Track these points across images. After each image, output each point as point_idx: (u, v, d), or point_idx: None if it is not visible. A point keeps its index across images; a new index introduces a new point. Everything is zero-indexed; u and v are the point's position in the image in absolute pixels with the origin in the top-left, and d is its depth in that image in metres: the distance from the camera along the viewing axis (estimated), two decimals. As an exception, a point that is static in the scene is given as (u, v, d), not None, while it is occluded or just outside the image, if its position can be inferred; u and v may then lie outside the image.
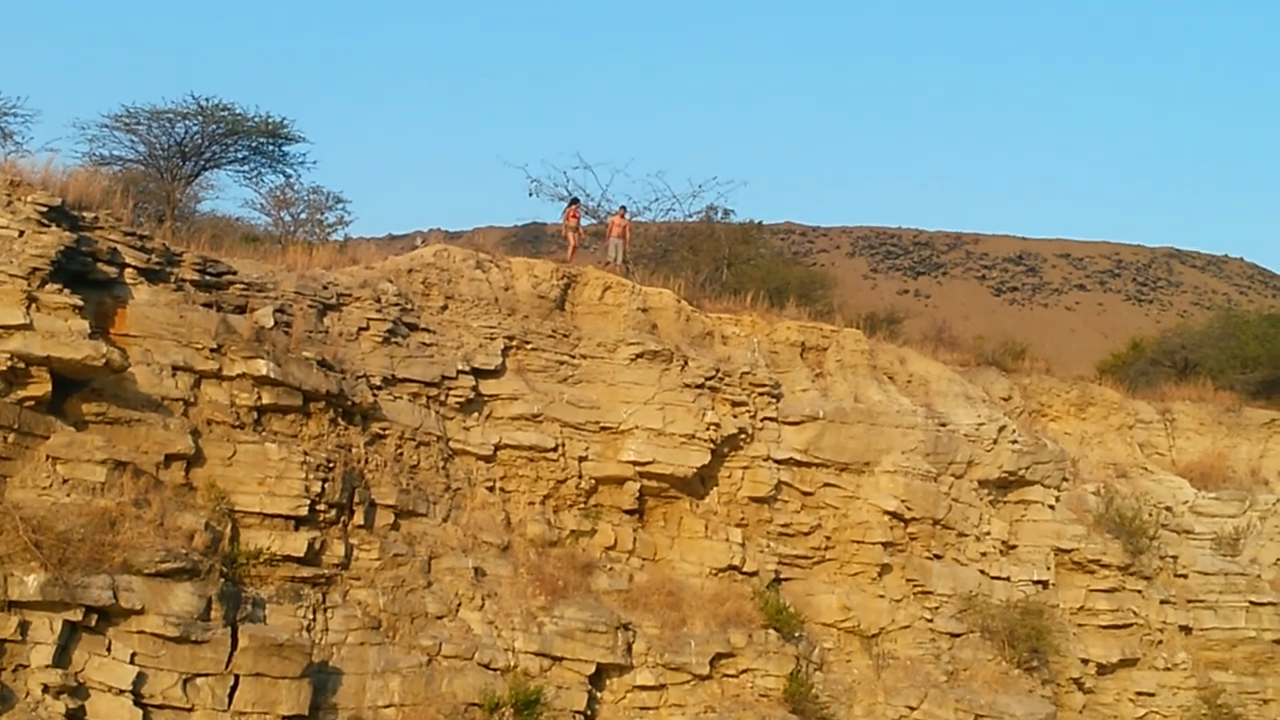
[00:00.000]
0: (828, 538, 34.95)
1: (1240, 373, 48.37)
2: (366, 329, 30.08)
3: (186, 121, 40.18)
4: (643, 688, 30.08)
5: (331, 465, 27.31)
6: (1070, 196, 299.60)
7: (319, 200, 44.52)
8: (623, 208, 40.13)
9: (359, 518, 27.90)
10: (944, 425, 36.84)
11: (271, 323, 27.92)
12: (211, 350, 26.50)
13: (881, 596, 34.92)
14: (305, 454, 26.85)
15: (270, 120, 41.54)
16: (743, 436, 34.07)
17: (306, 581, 26.34)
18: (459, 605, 28.67)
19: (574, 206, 39.74)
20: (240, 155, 42.39)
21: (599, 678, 29.63)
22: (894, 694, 33.39)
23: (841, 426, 35.19)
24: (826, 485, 35.12)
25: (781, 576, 34.10)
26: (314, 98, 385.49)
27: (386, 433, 29.42)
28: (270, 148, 42.47)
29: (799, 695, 31.31)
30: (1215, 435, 43.54)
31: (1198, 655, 39.04)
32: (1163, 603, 38.84)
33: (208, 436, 26.23)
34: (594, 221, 45.17)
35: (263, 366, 26.73)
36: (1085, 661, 37.16)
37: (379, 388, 29.54)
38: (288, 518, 26.38)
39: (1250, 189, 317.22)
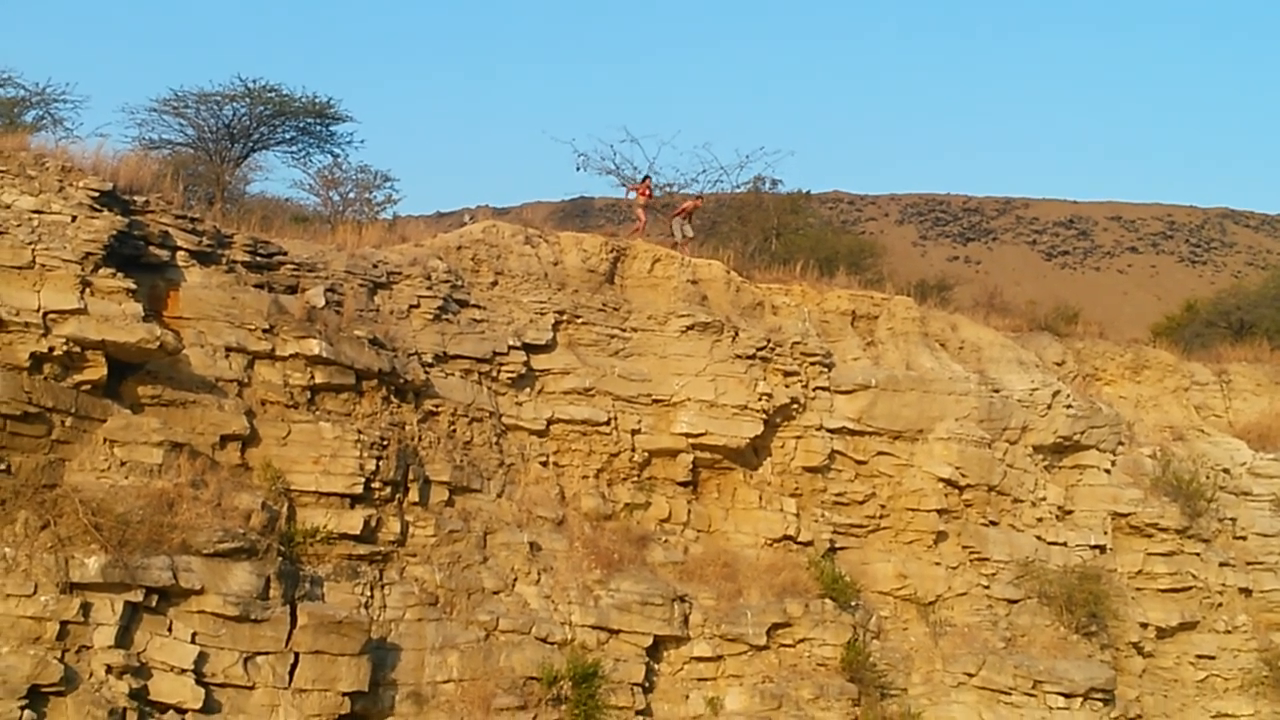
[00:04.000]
0: (882, 506, 34.88)
1: (1296, 332, 48.01)
2: (417, 306, 30.17)
3: (234, 104, 40.38)
4: (700, 659, 30.14)
5: (385, 443, 27.44)
6: (1121, 158, 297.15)
7: (367, 179, 44.65)
8: (697, 196, 40.20)
9: (414, 495, 28.03)
10: (997, 391, 36.67)
11: (323, 302, 28.04)
12: (264, 331, 26.66)
13: (937, 564, 34.83)
14: (359, 432, 26.99)
15: (317, 100, 41.70)
16: (795, 406, 34.02)
17: (363, 559, 26.52)
18: (515, 580, 28.79)
19: (645, 182, 39.59)
20: (288, 136, 42.59)
21: (656, 650, 29.70)
22: (951, 661, 33.33)
23: (894, 394, 35.08)
24: (880, 453, 35.03)
25: (836, 545, 34.05)
26: (361, 77, 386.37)
27: (439, 409, 29.53)
28: (318, 128, 42.64)
29: (856, 664, 31.31)
30: (1273, 395, 43.16)
31: (1258, 617, 38.77)
32: (1222, 565, 38.58)
33: (262, 417, 26.41)
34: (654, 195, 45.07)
35: (315, 346, 26.87)
36: (1144, 625, 36.95)
37: (430, 365, 29.63)
38: (343, 496, 26.53)
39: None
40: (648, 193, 39.05)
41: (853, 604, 32.45)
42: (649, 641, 29.42)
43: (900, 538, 34.85)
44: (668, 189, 43.22)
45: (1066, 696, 33.15)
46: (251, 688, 23.64)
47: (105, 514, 22.69)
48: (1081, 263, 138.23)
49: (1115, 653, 35.88)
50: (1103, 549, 37.20)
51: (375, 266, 30.06)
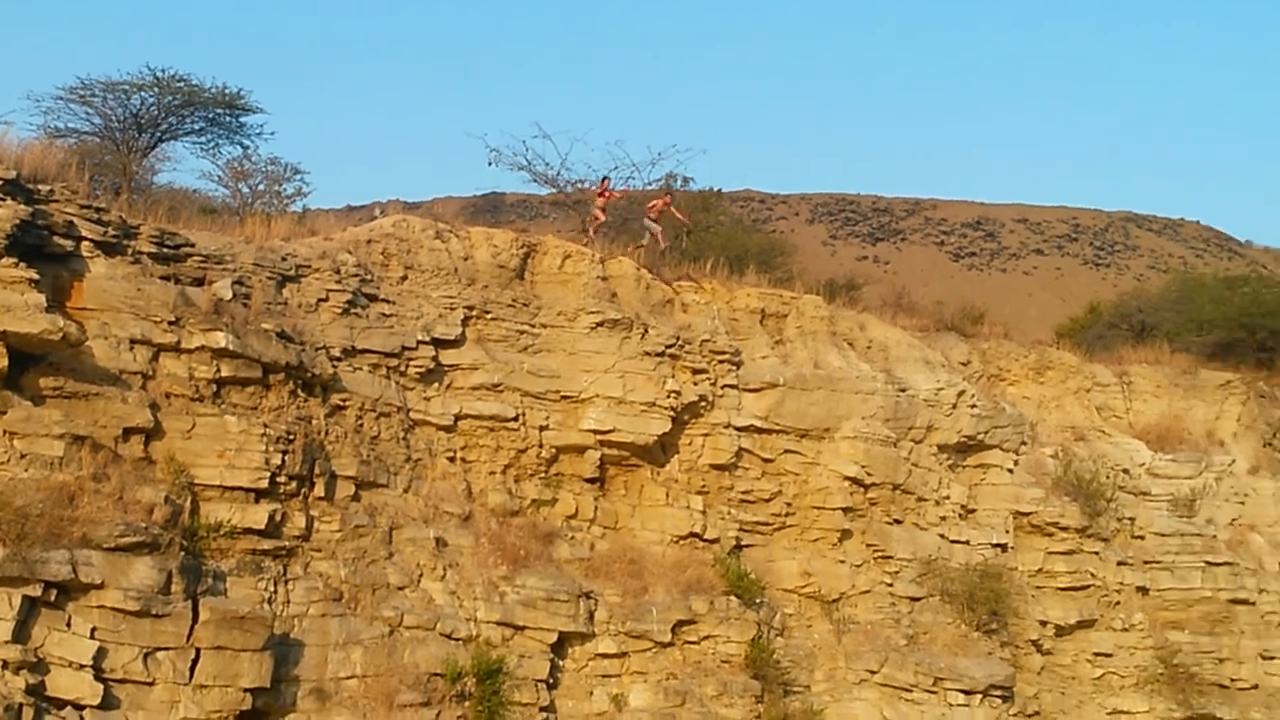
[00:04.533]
0: (788, 504, 35.09)
1: (1196, 335, 48.63)
2: (326, 300, 29.99)
3: (142, 93, 39.83)
4: (605, 655, 30.22)
5: (292, 437, 27.28)
6: (1028, 161, 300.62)
7: (277, 171, 44.25)
8: (666, 193, 39.92)
9: (320, 489, 27.89)
10: (903, 390, 36.99)
11: (230, 295, 27.83)
12: (170, 323, 26.42)
13: (842, 562, 35.09)
14: (265, 426, 26.80)
15: (227, 91, 41.22)
16: (703, 404, 34.15)
17: (267, 554, 26.34)
18: (420, 576, 28.73)
19: (605, 182, 39.17)
20: (197, 127, 42.03)
21: (561, 646, 29.74)
22: (854, 658, 33.60)
23: (802, 393, 35.30)
24: (787, 452, 35.24)
25: (742, 543, 34.23)
26: (271, 69, 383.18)
27: (347, 404, 29.39)
28: (227, 119, 42.14)
29: (760, 661, 31.51)
30: (1172, 398, 43.80)
31: (1154, 615, 39.38)
32: (1120, 564, 39.16)
33: (166, 410, 26.18)
34: (554, 191, 44.99)
35: (221, 339, 26.63)
36: (1044, 623, 37.44)
37: (339, 359, 29.49)
38: (248, 490, 26.35)
39: (1207, 152, 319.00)
40: (606, 192, 38.68)
41: (757, 601, 32.64)
42: (554, 638, 29.46)
43: (805, 535, 35.07)
44: (580, 184, 43.03)
45: (966, 694, 33.55)
46: (151, 683, 23.43)
47: (4, 507, 22.40)
48: (988, 264, 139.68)
49: (1015, 650, 36.34)
50: (1004, 547, 37.64)
51: (284, 259, 29.85)
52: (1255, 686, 39.80)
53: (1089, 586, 38.53)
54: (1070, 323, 60.69)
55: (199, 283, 27.88)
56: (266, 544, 26.27)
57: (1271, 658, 40.25)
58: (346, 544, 27.83)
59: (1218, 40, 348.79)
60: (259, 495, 26.49)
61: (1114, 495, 39.62)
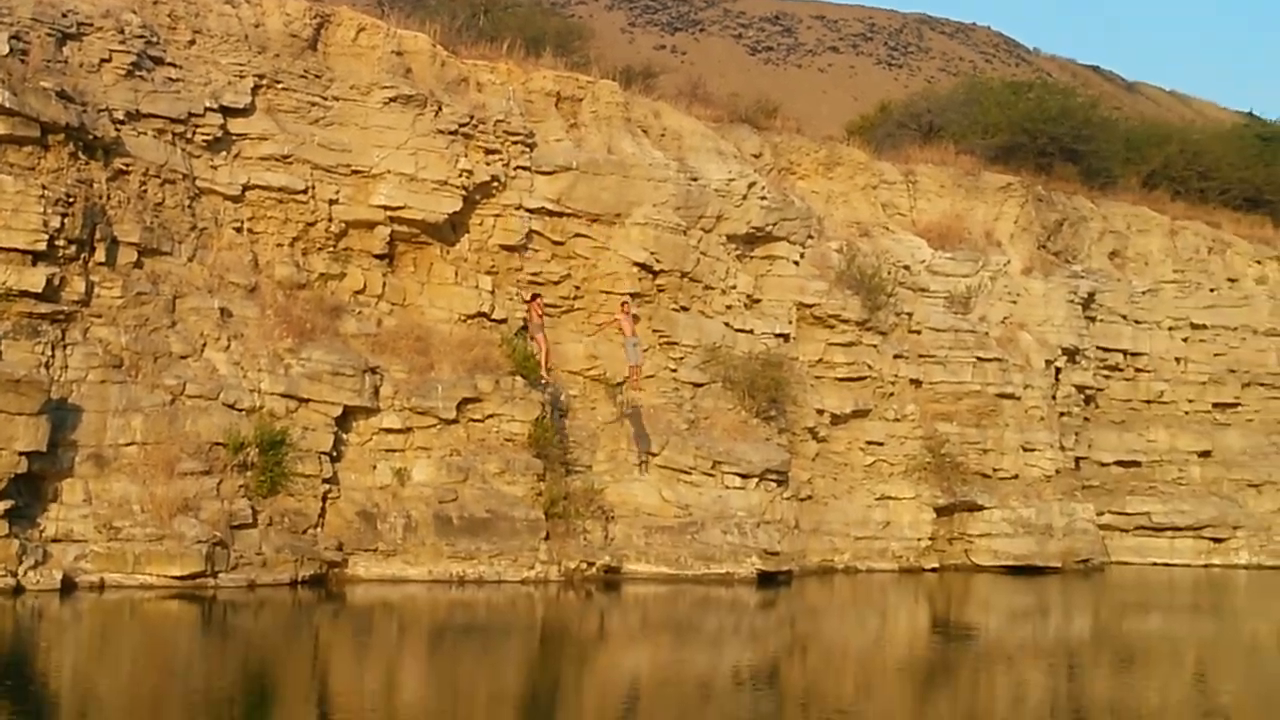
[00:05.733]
0: (577, 287, 35.35)
1: (981, 138, 49.52)
2: (109, 61, 28.95)
3: None
4: (389, 430, 30.40)
5: (71, 200, 26.56)
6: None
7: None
8: (625, 301, 34.96)
9: (100, 255, 27.29)
10: (695, 180, 37.18)
11: (7, 50, 26.70)
12: (-59, 76, 25.39)
13: (628, 346, 35.52)
14: (44, 188, 26.04)
15: None
16: (495, 184, 33.99)
17: (45, 318, 25.82)
18: (204, 346, 28.44)
19: (536, 301, 34.50)
20: None
21: (345, 420, 29.81)
22: (636, 440, 34.27)
23: (594, 178, 35.31)
24: (577, 235, 35.36)
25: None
26: None
27: (130, 169, 28.62)
28: None
29: (544, 440, 31.95)
30: (954, 198, 44.77)
31: (926, 407, 40.78)
32: (896, 357, 40.35)
33: (-61, 166, 25.30)
34: None
35: (-3, 95, 25.71)
36: (820, 412, 38.56)
37: (122, 122, 28.62)
38: (25, 252, 25.68)
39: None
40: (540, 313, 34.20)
41: (542, 382, 32.96)
42: (339, 412, 29.51)
43: (593, 319, 35.40)
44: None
45: (743, 477, 34.58)
46: (-76, 444, 23.02)
47: None
48: (784, 59, 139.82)
49: (792, 437, 37.42)
50: (786, 338, 38.46)
51: (65, 16, 28.63)
52: (1015, 476, 41.73)
53: (865, 378, 39.71)
54: (861, 120, 61.27)
55: (-27, 36, 26.74)
56: (44, 308, 25.73)
57: (1032, 449, 42.19)
58: (128, 311, 27.37)
59: None
60: (36, 258, 25.82)
61: (894, 290, 40.65)
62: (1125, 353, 48.07)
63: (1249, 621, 33.02)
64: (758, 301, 38.44)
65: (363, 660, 20.63)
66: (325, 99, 32.25)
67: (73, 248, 26.61)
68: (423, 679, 19.14)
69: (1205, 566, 46.51)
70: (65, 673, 18.02)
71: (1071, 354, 44.79)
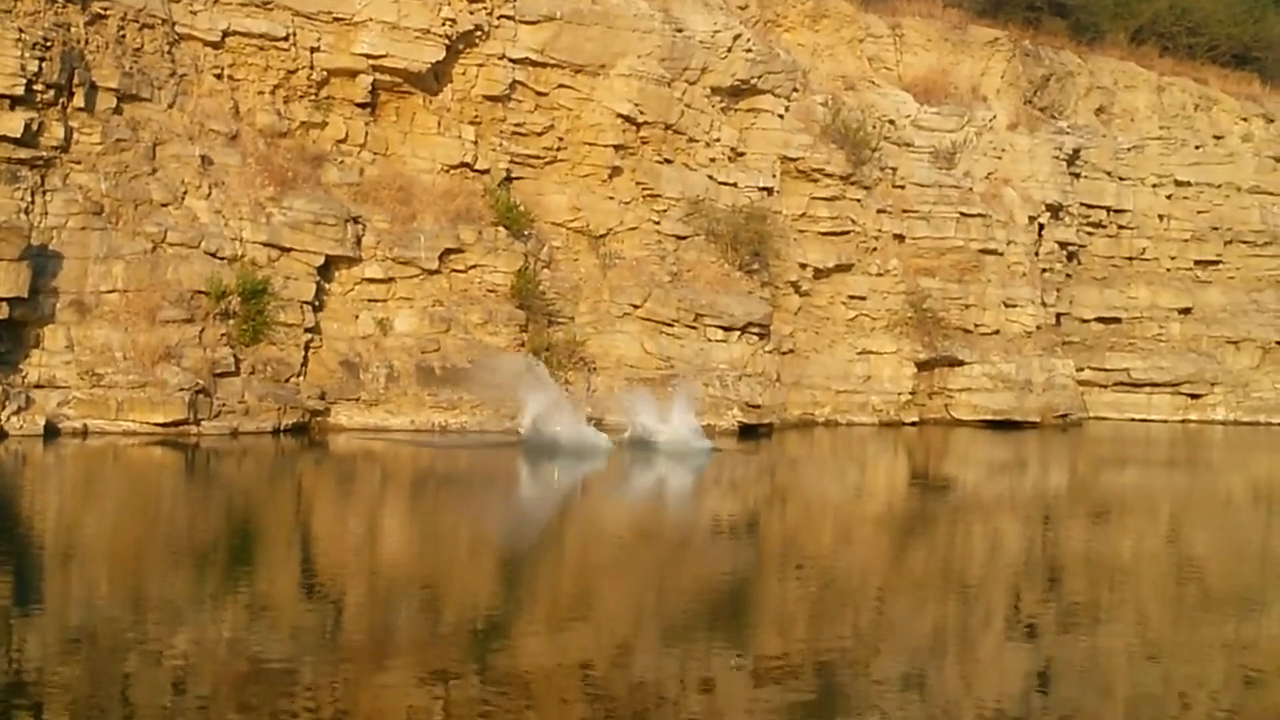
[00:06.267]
0: (560, 139, 35.13)
1: (969, -9, 49.01)
2: (85, -98, 28.48)
3: None
4: (372, 280, 30.44)
5: (49, 44, 26.22)
6: None
7: None
8: None
9: (79, 100, 27.03)
10: (680, 31, 36.77)
11: (-19, -111, 26.27)
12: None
13: (611, 198, 35.44)
14: (20, 31, 25.73)
15: None
16: (478, 33, 33.57)
17: (24, 163, 25.67)
18: (185, 193, 28.31)
19: None
20: None
21: (327, 269, 29.81)
22: (619, 292, 34.29)
23: (578, 28, 34.91)
24: (561, 86, 35.04)
25: (513, 175, 34.32)
26: None
27: (108, 13, 28.22)
28: None
29: (526, 291, 32.00)
30: (941, 52, 44.34)
31: (908, 263, 40.79)
32: (879, 212, 40.27)
33: (-86, 8, 24.95)
34: None
35: (-28, -66, 25.30)
36: (803, 266, 38.56)
37: (99, -35, 28.20)
38: (2, 96, 25.45)
39: None
40: None
41: (525, 233, 32.92)
42: (321, 261, 29.50)
43: (576, 171, 35.25)
44: None
45: (725, 329, 34.69)
46: (-96, 289, 22.97)
47: None
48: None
49: (774, 290, 37.45)
50: (770, 191, 38.32)
51: None
52: (996, 332, 41.91)
53: (849, 232, 39.66)
54: (849, -27, 60.44)
55: None
56: (23, 153, 25.55)
57: (1013, 305, 42.34)
58: (108, 157, 27.20)
59: None
60: (14, 102, 25.61)
61: (879, 145, 40.46)
62: (1108, 209, 48.02)
63: (1223, 476, 33.34)
64: (741, 155, 38.23)
65: (345, 505, 20.79)
66: (307, -56, 31.75)
67: (51, 92, 26.34)
68: (404, 523, 19.32)
69: (1183, 422, 46.96)
70: (50, 517, 18.13)
71: (1055, 210, 44.72)
